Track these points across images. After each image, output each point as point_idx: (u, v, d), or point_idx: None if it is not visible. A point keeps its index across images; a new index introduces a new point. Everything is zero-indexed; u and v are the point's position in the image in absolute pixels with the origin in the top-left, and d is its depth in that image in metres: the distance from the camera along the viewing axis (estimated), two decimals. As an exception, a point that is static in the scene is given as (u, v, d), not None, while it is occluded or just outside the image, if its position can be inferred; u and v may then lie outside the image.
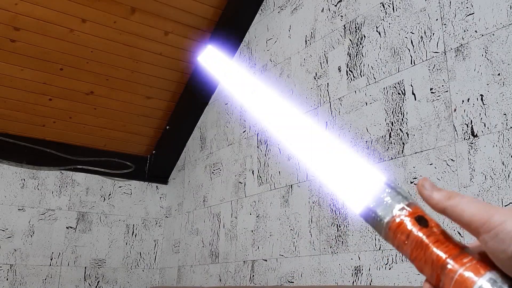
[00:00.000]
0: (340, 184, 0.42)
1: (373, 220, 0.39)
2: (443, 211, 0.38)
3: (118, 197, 2.90)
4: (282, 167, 2.13)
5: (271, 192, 2.15)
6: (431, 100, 1.54)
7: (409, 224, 0.37)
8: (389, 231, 0.38)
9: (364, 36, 1.84)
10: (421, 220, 0.37)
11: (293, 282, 1.91)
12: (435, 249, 0.36)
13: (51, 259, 2.61)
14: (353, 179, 0.42)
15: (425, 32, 1.60)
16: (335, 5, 2.01)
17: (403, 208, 0.38)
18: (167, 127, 2.94)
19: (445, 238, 0.36)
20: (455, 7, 1.52)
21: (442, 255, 0.35)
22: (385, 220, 0.38)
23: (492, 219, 0.34)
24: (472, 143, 1.39)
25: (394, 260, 1.52)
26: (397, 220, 0.38)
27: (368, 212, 0.40)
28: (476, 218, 0.35)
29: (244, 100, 0.51)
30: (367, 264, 1.61)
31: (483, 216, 0.35)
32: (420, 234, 0.37)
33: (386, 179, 0.40)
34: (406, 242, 0.37)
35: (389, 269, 1.53)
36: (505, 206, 1.28)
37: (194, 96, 2.80)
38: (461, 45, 1.48)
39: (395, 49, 1.70)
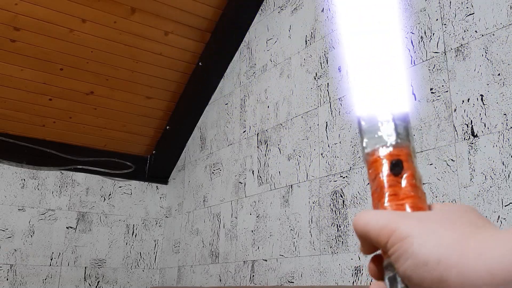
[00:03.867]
0: (364, 85, 0.38)
1: (361, 137, 0.37)
2: (359, 236, 0.33)
3: (118, 197, 2.90)
4: (282, 167, 2.13)
5: (271, 192, 2.15)
6: (431, 100, 1.54)
7: (381, 166, 0.35)
8: (366, 161, 0.37)
9: (364, 36, 1.84)
10: (395, 166, 0.34)
11: (293, 282, 1.91)
12: (386, 202, 0.34)
13: (51, 259, 2.61)
14: (377, 86, 0.37)
15: (425, 32, 1.60)
16: (335, 5, 2.01)
17: (387, 146, 0.35)
18: (167, 127, 2.94)
19: (405, 194, 0.34)
20: (455, 7, 1.52)
21: (388, 208, 0.33)
22: (365, 151, 0.36)
23: (398, 231, 0.30)
24: (472, 143, 1.39)
25: (394, 260, 1.52)
26: (375, 155, 0.36)
27: (359, 128, 0.37)
28: (383, 230, 0.31)
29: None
30: (367, 264, 1.61)
31: (390, 226, 0.30)
32: (384, 180, 0.34)
33: (402, 110, 0.37)
34: (373, 181, 0.35)
35: (389, 269, 1.53)
36: (505, 206, 1.28)
37: (194, 96, 2.80)
38: (461, 45, 1.48)
39: (395, 49, 1.70)
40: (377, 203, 0.34)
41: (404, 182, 0.34)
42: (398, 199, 0.33)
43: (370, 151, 0.36)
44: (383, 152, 0.35)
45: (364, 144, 0.37)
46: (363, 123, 0.37)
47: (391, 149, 0.35)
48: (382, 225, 0.31)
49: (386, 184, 0.34)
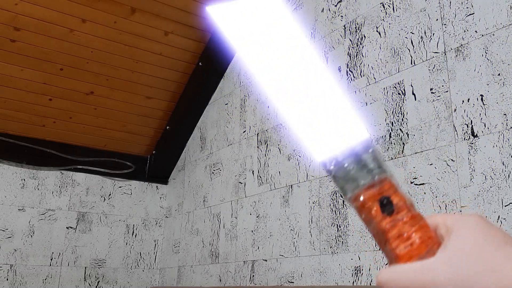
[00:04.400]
0: (313, 130, 0.36)
1: (336, 184, 0.35)
2: None
3: (118, 197, 2.90)
4: (282, 167, 2.13)
5: (271, 192, 2.15)
6: (431, 100, 1.54)
7: (373, 210, 0.33)
8: (353, 206, 0.34)
9: (364, 36, 1.84)
10: (385, 205, 0.33)
11: (293, 282, 1.91)
12: (397, 249, 0.32)
13: (51, 259, 2.61)
14: (327, 126, 0.35)
15: (425, 32, 1.60)
16: (335, 5, 2.01)
17: (367, 187, 0.33)
18: (167, 127, 2.94)
19: (409, 231, 0.32)
20: (455, 7, 1.52)
21: (402, 257, 0.32)
22: (348, 196, 0.34)
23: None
24: (472, 143, 1.39)
25: (394, 260, 1.51)
26: (361, 199, 0.34)
27: (330, 175, 0.35)
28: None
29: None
30: (367, 264, 1.61)
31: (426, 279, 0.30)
32: (383, 225, 0.32)
33: (361, 140, 0.34)
34: (369, 225, 0.34)
35: (389, 269, 1.53)
36: (505, 206, 1.28)
37: (194, 96, 2.80)
38: (461, 45, 1.48)
39: (395, 49, 1.70)
40: (385, 247, 0.33)
41: (401, 218, 0.32)
42: (405, 239, 0.32)
43: (352, 196, 0.34)
44: (366, 195, 0.33)
45: (343, 191, 0.34)
46: (331, 168, 0.35)
47: (372, 190, 0.33)
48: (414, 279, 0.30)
49: (385, 227, 0.32)
